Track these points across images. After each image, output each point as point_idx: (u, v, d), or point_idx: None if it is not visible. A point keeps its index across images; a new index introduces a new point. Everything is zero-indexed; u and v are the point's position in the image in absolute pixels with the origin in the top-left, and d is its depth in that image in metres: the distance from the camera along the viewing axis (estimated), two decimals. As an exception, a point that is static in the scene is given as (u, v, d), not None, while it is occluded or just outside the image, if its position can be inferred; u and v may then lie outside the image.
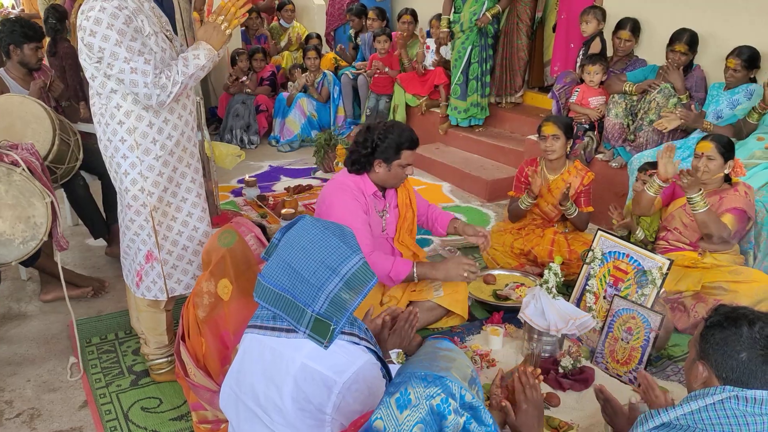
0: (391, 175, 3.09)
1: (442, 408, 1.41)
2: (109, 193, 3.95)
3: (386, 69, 6.76)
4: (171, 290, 2.78)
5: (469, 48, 5.84)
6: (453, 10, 5.89)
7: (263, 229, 2.49)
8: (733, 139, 3.94)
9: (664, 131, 4.26)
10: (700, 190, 3.18)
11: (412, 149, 3.06)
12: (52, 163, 3.52)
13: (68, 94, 4.44)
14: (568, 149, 3.84)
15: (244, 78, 7.00)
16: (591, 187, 3.84)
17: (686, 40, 4.38)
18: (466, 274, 3.04)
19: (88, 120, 3.55)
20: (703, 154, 3.30)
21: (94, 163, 3.88)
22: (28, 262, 3.40)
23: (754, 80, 4.21)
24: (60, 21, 5.59)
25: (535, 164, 3.94)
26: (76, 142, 3.69)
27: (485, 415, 1.46)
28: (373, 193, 3.13)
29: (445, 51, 6.34)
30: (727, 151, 3.31)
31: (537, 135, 3.89)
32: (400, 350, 2.34)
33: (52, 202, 2.82)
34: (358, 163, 3.08)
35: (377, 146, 3.01)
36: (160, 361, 2.89)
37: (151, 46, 2.46)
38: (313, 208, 4.84)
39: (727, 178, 3.38)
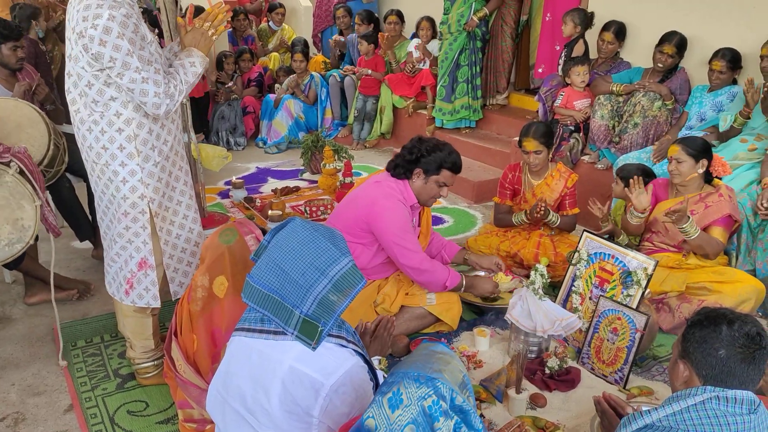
0: (426, 188, 3.17)
1: (433, 410, 1.42)
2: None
3: (368, 72, 6.77)
4: (174, 294, 2.80)
5: (458, 51, 5.87)
6: (442, 11, 5.93)
7: (265, 233, 2.49)
8: (715, 142, 3.99)
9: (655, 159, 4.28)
10: (689, 218, 3.22)
11: (453, 172, 3.18)
12: (45, 167, 3.50)
13: (53, 96, 4.39)
14: (551, 155, 3.83)
15: (230, 83, 6.98)
16: (576, 189, 3.86)
17: (675, 43, 4.43)
18: (492, 290, 3.30)
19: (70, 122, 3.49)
20: (672, 157, 3.38)
21: (78, 165, 3.85)
22: (12, 265, 3.37)
23: (735, 82, 4.27)
24: (27, 20, 5.35)
25: (518, 169, 3.95)
26: (63, 146, 3.67)
27: (475, 419, 1.47)
28: (412, 205, 3.20)
29: (432, 48, 6.37)
30: (699, 152, 3.34)
31: (518, 146, 3.85)
32: (382, 357, 2.36)
33: (41, 206, 2.81)
34: (401, 167, 3.17)
35: (422, 156, 3.11)
36: (147, 365, 2.88)
37: (153, 53, 2.46)
38: (300, 209, 4.85)
39: (708, 179, 3.42)
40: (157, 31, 5.76)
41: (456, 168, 3.19)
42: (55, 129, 3.59)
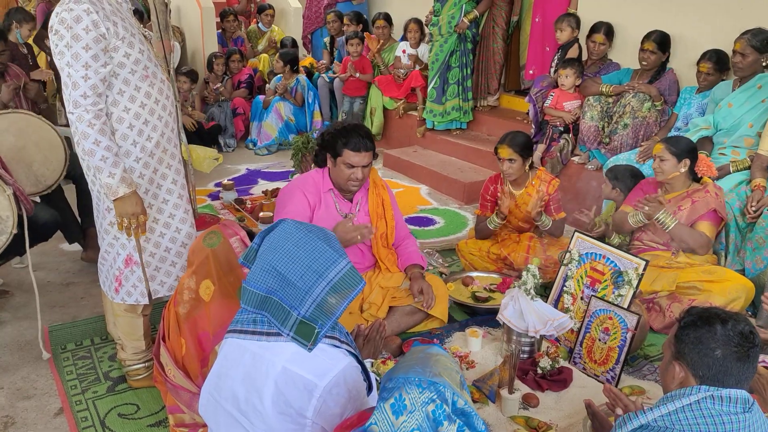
0: (336, 172, 3.10)
1: (437, 414, 1.42)
2: (84, 198, 3.89)
3: (357, 74, 6.77)
4: (154, 292, 2.75)
5: (449, 52, 5.88)
6: (432, 13, 5.94)
7: (250, 234, 2.48)
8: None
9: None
10: (663, 209, 3.27)
11: (355, 151, 3.00)
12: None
13: (44, 95, 4.36)
14: (527, 168, 3.74)
15: (219, 85, 6.97)
16: (558, 193, 3.79)
17: (655, 39, 4.47)
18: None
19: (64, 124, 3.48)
20: (655, 155, 3.45)
21: (68, 167, 3.82)
22: None
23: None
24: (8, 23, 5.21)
25: (500, 181, 3.87)
26: (70, 155, 3.65)
27: (477, 422, 1.46)
28: (330, 189, 3.16)
29: (422, 52, 6.37)
30: (681, 152, 3.38)
31: (494, 152, 3.78)
32: (374, 360, 2.35)
33: (14, 193, 2.79)
34: (317, 155, 3.20)
35: (328, 139, 3.08)
36: (137, 366, 2.86)
37: (104, 58, 2.41)
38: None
39: (697, 178, 3.45)
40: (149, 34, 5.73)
41: (356, 146, 2.99)
42: (73, 152, 3.58)
